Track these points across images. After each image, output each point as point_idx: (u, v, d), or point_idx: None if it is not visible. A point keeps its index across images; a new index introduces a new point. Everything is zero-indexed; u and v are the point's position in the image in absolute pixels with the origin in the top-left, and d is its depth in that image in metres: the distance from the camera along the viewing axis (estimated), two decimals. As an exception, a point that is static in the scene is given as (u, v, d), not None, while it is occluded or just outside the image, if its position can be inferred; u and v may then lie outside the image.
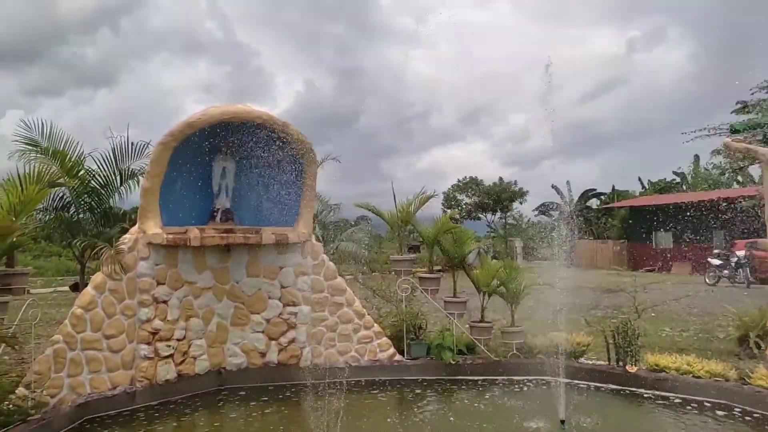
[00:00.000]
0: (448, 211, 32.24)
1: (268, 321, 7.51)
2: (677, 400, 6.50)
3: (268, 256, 7.57)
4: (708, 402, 6.35)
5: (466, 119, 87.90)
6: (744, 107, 18.51)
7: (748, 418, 5.89)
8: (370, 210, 9.12)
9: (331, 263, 8.10)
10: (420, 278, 8.73)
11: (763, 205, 8.61)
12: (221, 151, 7.47)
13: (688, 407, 6.30)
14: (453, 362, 7.71)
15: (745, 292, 16.77)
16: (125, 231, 7.22)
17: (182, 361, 6.96)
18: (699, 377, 6.66)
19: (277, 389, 7.20)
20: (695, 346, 8.73)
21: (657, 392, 6.75)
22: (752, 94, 18.15)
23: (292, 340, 7.52)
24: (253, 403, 6.74)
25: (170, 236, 6.79)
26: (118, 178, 8.19)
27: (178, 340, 6.94)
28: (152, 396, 6.63)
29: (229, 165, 7.54)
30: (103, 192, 8.17)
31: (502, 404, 6.81)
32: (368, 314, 8.24)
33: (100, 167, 8.08)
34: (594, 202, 43.28)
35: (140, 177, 7.93)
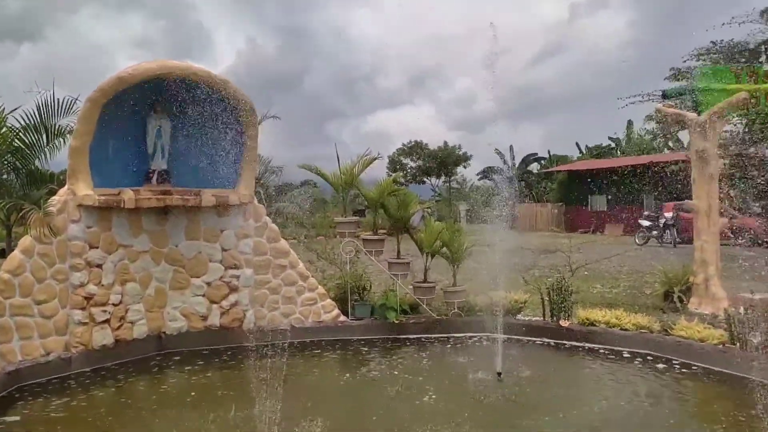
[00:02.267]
0: (393, 174, 32.34)
1: (209, 284, 7.38)
2: (606, 351, 6.91)
3: (208, 218, 7.38)
4: (633, 351, 6.80)
5: (413, 82, 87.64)
6: (676, 75, 19.29)
7: (669, 365, 6.34)
8: (313, 171, 9.00)
9: (273, 225, 8.00)
10: (364, 240, 8.75)
11: (691, 169, 9.10)
12: (156, 109, 7.14)
13: (616, 357, 6.71)
14: (397, 321, 7.86)
15: (671, 252, 17.80)
16: (54, 193, 6.85)
17: (119, 326, 6.77)
18: (626, 330, 7.09)
19: (219, 352, 7.14)
20: (624, 301, 9.23)
21: (588, 344, 7.14)
22: (684, 61, 18.93)
23: (235, 303, 7.44)
24: (194, 367, 6.66)
25: (102, 198, 6.51)
26: (45, 136, 7.72)
27: (114, 305, 6.73)
28: (89, 362, 6.44)
29: (164, 124, 7.22)
30: (29, 152, 7.70)
31: (444, 360, 7.04)
32: (312, 276, 8.23)
33: (25, 125, 7.58)
34: (535, 167, 44.44)
35: (69, 136, 7.49)
